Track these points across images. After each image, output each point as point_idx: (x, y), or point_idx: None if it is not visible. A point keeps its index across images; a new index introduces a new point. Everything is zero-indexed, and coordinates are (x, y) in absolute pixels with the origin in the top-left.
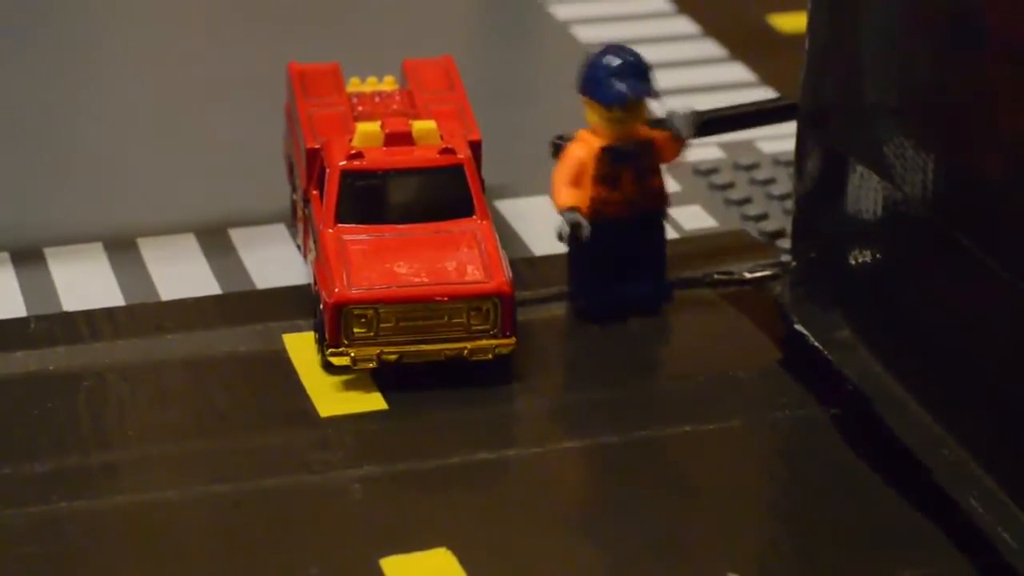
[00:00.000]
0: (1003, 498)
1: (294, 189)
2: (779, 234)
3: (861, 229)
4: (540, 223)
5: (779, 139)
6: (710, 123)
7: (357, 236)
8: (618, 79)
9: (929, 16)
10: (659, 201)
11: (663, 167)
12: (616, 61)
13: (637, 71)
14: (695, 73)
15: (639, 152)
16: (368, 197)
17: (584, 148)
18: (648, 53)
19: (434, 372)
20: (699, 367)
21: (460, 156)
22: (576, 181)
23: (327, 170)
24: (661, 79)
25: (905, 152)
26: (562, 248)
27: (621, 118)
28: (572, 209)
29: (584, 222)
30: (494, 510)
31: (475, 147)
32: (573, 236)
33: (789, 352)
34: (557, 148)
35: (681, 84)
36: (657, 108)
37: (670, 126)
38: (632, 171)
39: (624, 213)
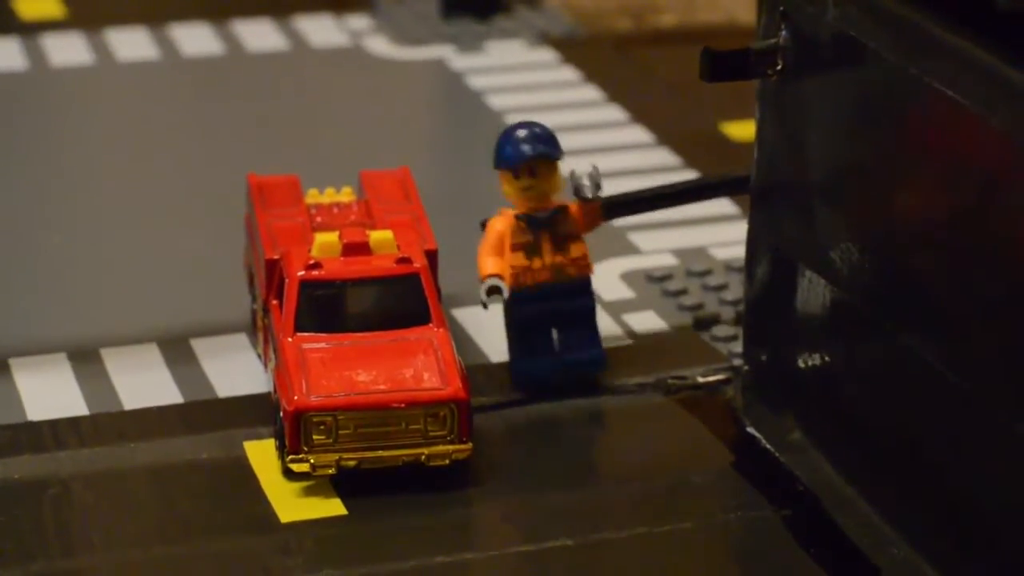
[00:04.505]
0: None
1: (254, 299)
2: (732, 338)
3: (810, 332)
4: (495, 331)
5: (732, 245)
6: (625, 204)
7: (316, 344)
8: (522, 143)
9: (873, 123)
10: (583, 269)
11: (584, 235)
12: (521, 130)
13: (541, 136)
14: (651, 181)
15: (553, 218)
16: (326, 306)
17: (501, 220)
18: (605, 162)
19: (392, 477)
20: (653, 470)
21: (416, 265)
22: (497, 251)
23: (286, 280)
24: (619, 187)
25: (851, 256)
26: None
27: (531, 185)
28: (492, 276)
29: (502, 285)
30: None
31: (431, 256)
32: (494, 301)
33: (742, 455)
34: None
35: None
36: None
37: (575, 190)
38: (550, 238)
39: (549, 281)
